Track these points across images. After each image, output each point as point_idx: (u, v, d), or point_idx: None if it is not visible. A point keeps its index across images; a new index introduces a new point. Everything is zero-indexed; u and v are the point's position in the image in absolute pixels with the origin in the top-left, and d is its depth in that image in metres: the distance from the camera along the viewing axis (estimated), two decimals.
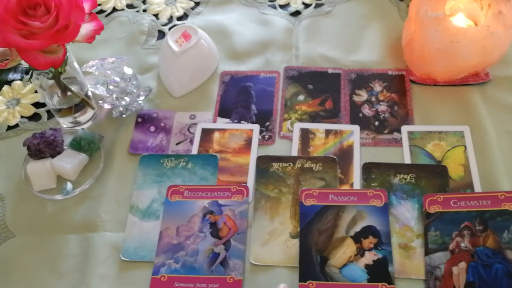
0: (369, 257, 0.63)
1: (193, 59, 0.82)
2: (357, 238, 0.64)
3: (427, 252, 0.63)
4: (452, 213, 0.64)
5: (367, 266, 0.62)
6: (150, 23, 0.95)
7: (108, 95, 0.79)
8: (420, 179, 0.69)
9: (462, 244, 0.62)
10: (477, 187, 0.68)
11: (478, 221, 0.63)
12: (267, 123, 0.78)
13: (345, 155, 0.73)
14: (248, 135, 0.77)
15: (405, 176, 0.70)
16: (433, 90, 0.79)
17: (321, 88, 0.82)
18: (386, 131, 0.76)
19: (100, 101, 0.80)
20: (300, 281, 0.62)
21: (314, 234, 0.65)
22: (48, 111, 0.83)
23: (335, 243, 0.64)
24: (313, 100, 0.81)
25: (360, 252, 0.63)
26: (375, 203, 0.66)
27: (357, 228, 0.65)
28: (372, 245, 0.63)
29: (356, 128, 0.76)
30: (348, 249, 0.64)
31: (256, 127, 0.78)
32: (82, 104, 0.78)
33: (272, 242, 0.66)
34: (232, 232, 0.67)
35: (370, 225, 0.65)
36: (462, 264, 0.61)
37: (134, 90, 0.80)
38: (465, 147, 0.72)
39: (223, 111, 0.81)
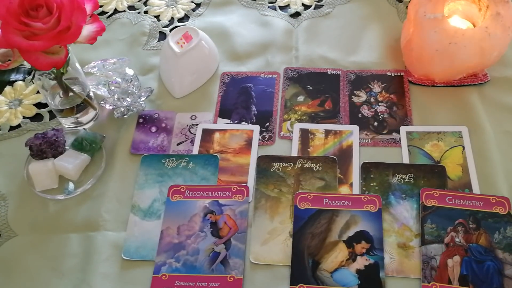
0: (361, 262, 0.63)
1: (193, 60, 0.83)
2: (350, 242, 0.65)
3: (424, 242, 0.64)
4: (448, 209, 0.66)
5: (358, 271, 0.62)
6: (151, 25, 0.95)
7: (109, 96, 0.80)
8: (419, 179, 0.70)
9: (457, 239, 0.64)
10: (475, 187, 0.69)
11: (472, 220, 0.65)
12: (267, 124, 0.79)
13: (345, 155, 0.74)
14: (248, 136, 0.78)
15: (404, 176, 0.70)
16: (431, 91, 0.80)
17: (321, 89, 0.82)
18: (385, 132, 0.76)
19: (102, 102, 0.81)
20: (291, 284, 0.62)
21: (307, 238, 0.65)
22: (50, 112, 0.84)
23: (327, 247, 0.65)
24: (313, 100, 0.81)
25: (352, 257, 0.63)
26: (369, 208, 0.67)
27: (350, 232, 0.65)
28: (364, 250, 0.64)
29: (355, 128, 0.77)
30: (340, 253, 0.64)
31: (256, 128, 0.78)
32: (83, 104, 0.78)
33: (272, 241, 0.66)
34: (232, 231, 0.67)
35: (363, 230, 0.65)
36: (457, 258, 0.62)
37: (136, 91, 0.80)
38: (463, 147, 0.73)
39: (224, 112, 0.81)
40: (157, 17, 0.97)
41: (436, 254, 0.63)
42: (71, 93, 0.76)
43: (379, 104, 0.80)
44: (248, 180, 0.73)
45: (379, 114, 0.78)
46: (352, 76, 0.84)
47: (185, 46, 0.83)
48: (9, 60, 0.67)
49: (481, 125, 0.75)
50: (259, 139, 0.77)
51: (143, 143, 0.78)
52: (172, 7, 0.98)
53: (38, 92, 0.87)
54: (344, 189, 0.71)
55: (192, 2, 0.99)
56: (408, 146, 0.74)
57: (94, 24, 0.69)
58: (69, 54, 0.71)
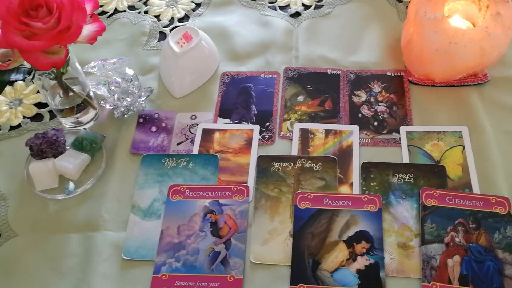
0: (361, 262, 0.63)
1: (194, 60, 0.83)
2: (350, 242, 0.65)
3: (424, 242, 0.64)
4: (447, 209, 0.66)
5: (358, 271, 0.62)
6: (152, 25, 0.96)
7: (109, 96, 0.80)
8: (419, 179, 0.70)
9: (457, 239, 0.64)
10: (475, 187, 0.69)
11: (472, 219, 0.65)
12: (267, 124, 0.79)
13: (345, 155, 0.74)
14: (248, 135, 0.78)
15: (404, 175, 0.70)
16: (431, 91, 0.80)
17: (321, 88, 0.82)
18: (385, 131, 0.76)
19: (102, 102, 0.81)
20: (291, 284, 0.62)
21: (307, 238, 0.65)
22: (50, 111, 0.84)
23: (327, 247, 0.65)
24: (313, 100, 0.81)
25: (352, 257, 0.63)
26: (370, 208, 0.67)
27: (350, 232, 0.65)
28: (364, 250, 0.64)
29: (355, 128, 0.77)
30: (340, 253, 0.64)
31: (256, 127, 0.78)
32: (84, 104, 0.78)
33: (272, 241, 0.66)
34: (232, 231, 0.67)
35: (363, 230, 0.65)
36: (457, 258, 0.62)
37: (136, 91, 0.80)
38: (463, 147, 0.73)
39: (224, 112, 0.81)
40: (157, 17, 0.97)
41: (436, 254, 0.63)
42: (71, 93, 0.76)
43: (379, 104, 0.80)
44: (248, 180, 0.73)
45: (379, 114, 0.78)
46: (352, 76, 0.84)
47: (185, 46, 0.83)
48: (9, 60, 0.67)
49: (481, 125, 0.75)
50: (259, 139, 0.77)
51: (143, 143, 0.78)
52: (172, 7, 0.98)
53: (38, 92, 0.87)
54: (344, 189, 0.71)
55: (192, 2, 0.99)
56: (408, 146, 0.74)
57: (94, 24, 0.69)
58: (69, 54, 0.71)
